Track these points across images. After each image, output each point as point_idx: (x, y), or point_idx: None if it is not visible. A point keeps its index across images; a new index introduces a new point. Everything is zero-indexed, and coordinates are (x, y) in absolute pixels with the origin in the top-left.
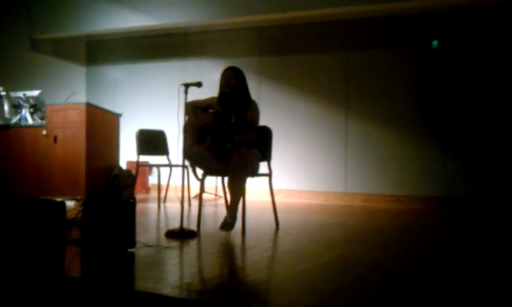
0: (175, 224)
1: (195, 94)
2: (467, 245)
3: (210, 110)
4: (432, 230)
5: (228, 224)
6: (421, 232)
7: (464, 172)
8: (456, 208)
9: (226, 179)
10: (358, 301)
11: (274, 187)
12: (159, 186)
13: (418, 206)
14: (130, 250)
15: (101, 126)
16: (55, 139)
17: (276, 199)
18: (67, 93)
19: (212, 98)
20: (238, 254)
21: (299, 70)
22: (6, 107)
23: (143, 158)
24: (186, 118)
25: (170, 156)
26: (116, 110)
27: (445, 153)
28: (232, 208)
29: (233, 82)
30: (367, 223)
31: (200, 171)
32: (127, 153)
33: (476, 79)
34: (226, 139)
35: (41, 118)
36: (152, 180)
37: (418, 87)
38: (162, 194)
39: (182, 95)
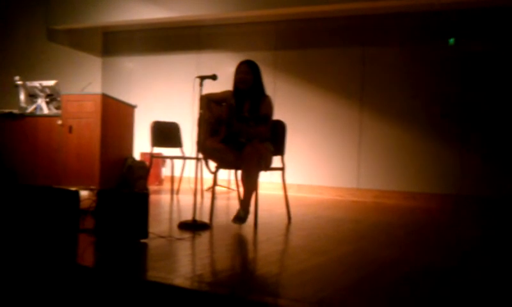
0: (187, 216)
1: (209, 87)
2: (482, 246)
3: (224, 104)
4: (447, 229)
5: (240, 218)
6: (435, 231)
7: (481, 170)
8: (472, 208)
9: (239, 172)
10: (369, 297)
11: (287, 181)
12: (172, 178)
13: (433, 204)
14: (142, 240)
15: (116, 117)
16: (70, 129)
17: (288, 194)
18: (83, 84)
19: (227, 92)
20: (250, 247)
21: (315, 64)
22: (22, 97)
23: (157, 150)
24: (201, 111)
25: (184, 148)
26: (131, 101)
27: (462, 150)
28: (245, 202)
29: (248, 76)
30: (379, 220)
31: (212, 164)
32: (141, 144)
33: (494, 76)
34: (240, 133)
35: (57, 108)
36: (165, 171)
37: (434, 83)
38: (175, 186)
39: (197, 88)
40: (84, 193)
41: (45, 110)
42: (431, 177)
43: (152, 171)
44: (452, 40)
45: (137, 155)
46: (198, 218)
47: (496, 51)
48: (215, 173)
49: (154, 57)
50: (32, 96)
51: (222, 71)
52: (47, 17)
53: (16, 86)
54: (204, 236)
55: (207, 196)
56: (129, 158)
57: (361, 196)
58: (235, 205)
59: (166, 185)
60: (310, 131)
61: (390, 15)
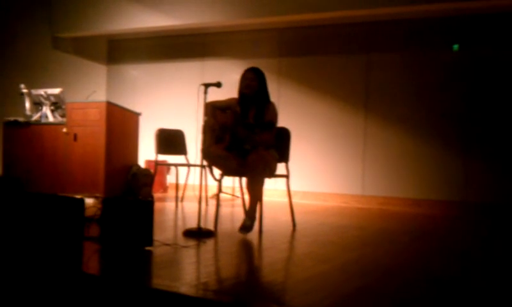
0: (192, 224)
1: (214, 95)
2: (486, 253)
3: (229, 111)
4: (451, 236)
5: (247, 227)
6: (439, 238)
7: (486, 176)
8: (477, 214)
9: (244, 180)
10: (374, 304)
11: (291, 189)
12: (176, 185)
13: (438, 211)
14: (147, 248)
15: (121, 125)
16: (75, 136)
17: (293, 201)
18: (88, 91)
19: (232, 99)
20: (255, 255)
21: (319, 71)
22: (27, 104)
23: (162, 157)
24: (205, 118)
25: (188, 155)
26: (136, 109)
27: (466, 157)
28: (250, 211)
29: (254, 83)
30: (384, 226)
31: (217, 171)
32: (146, 152)
33: (498, 82)
34: (245, 140)
35: (62, 116)
36: (170, 179)
37: (438, 90)
38: (180, 193)
39: (202, 95)
40: (89, 201)
41: (50, 118)
42: (435, 184)
43: (157, 179)
44: (456, 46)
45: (142, 163)
46: (202, 225)
47: (501, 57)
48: (220, 180)
49: (159, 65)
50: (37, 104)
51: (226, 79)
52: (51, 25)
53: (22, 94)
54: (209, 244)
55: (212, 203)
56: (134, 165)
57: (366, 203)
58: (240, 212)
59: (171, 193)
60: (314, 138)
61: (393, 21)
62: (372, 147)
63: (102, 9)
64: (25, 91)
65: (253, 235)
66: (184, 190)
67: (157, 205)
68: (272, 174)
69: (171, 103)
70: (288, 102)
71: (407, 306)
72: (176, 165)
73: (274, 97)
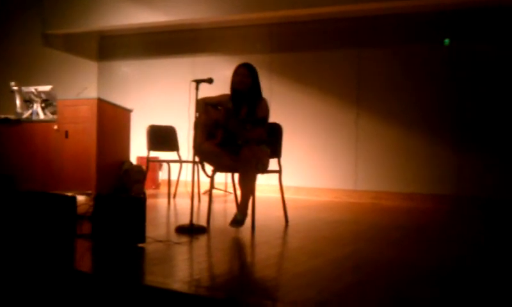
0: (184, 220)
1: (205, 91)
2: (480, 247)
3: (221, 107)
4: (444, 230)
5: (238, 221)
6: (432, 232)
7: (478, 170)
8: (469, 208)
9: (236, 175)
10: (367, 299)
11: (284, 184)
12: (169, 182)
13: (430, 205)
14: (140, 245)
15: (112, 122)
16: (66, 134)
17: (286, 196)
18: (79, 88)
19: (224, 95)
20: (247, 251)
21: (310, 67)
22: (17, 102)
23: (153, 153)
24: (197, 115)
25: (180, 152)
26: (127, 105)
27: (459, 151)
28: (242, 205)
29: (248, 80)
30: (377, 221)
31: (209, 168)
32: (138, 148)
33: (490, 76)
34: (237, 136)
35: (53, 113)
36: (162, 175)
37: (430, 84)
38: (172, 190)
39: (193, 91)
40: (80, 198)
41: (41, 116)
42: (427, 178)
43: (149, 175)
44: (447, 41)
45: (133, 159)
46: (195, 222)
47: (492, 51)
48: (212, 176)
49: (150, 61)
50: (28, 102)
51: (218, 75)
52: (42, 22)
53: (12, 92)
54: (201, 240)
55: (204, 199)
56: (126, 162)
57: (359, 198)
58: (232, 208)
59: (163, 189)
60: (306, 133)
61: (384, 16)
62: (364, 142)
63: (92, 5)
64: (15, 88)
65: (245, 231)
66: (176, 186)
67: (149, 202)
68: (264, 169)
69: (162, 100)
70: (280, 97)
71: (400, 300)
72: (168, 161)
73: (265, 93)
